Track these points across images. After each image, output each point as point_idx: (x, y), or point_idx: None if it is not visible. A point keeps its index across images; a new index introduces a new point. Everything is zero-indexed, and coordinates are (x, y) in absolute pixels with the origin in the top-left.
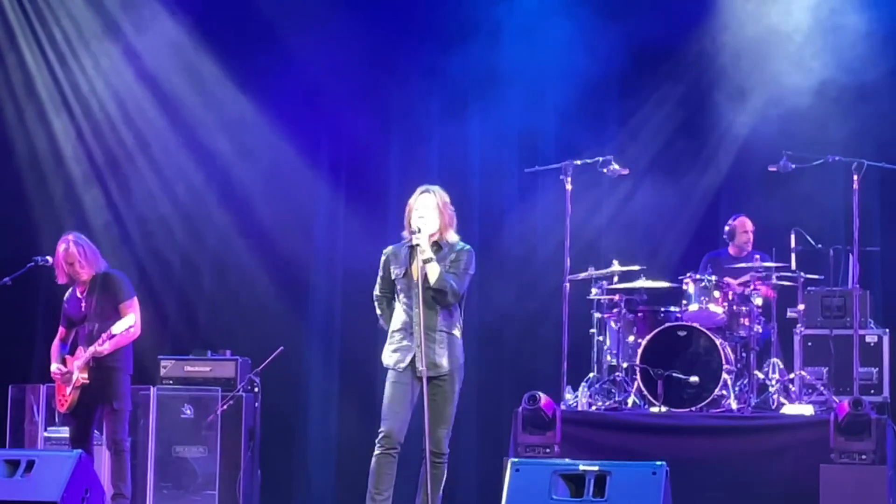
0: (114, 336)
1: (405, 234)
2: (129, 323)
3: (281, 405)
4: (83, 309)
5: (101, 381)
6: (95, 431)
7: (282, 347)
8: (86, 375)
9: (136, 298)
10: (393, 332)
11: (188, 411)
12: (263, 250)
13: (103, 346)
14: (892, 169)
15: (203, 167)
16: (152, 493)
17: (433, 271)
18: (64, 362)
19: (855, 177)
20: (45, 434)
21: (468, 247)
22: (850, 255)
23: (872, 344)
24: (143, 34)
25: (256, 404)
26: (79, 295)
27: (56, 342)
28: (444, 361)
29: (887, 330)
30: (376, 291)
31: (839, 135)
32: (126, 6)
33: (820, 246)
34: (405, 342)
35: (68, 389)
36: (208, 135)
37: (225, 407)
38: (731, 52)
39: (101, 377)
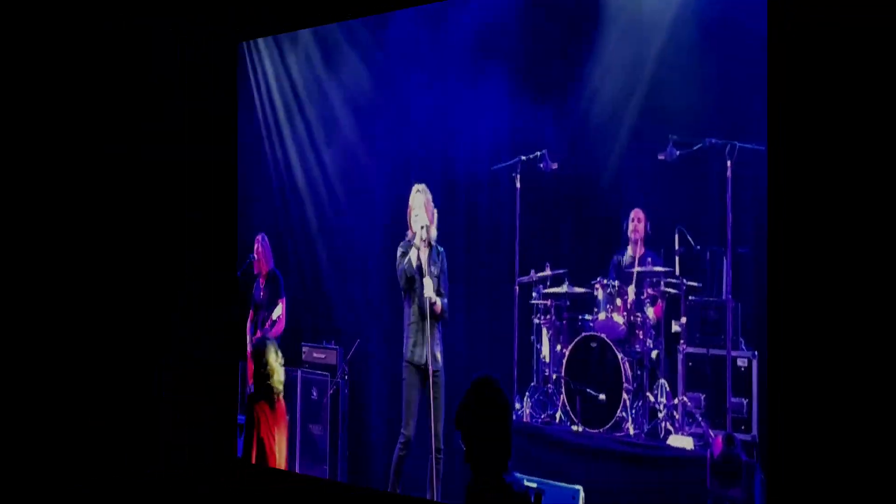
0: (275, 323)
1: (410, 233)
2: (279, 312)
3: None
4: (262, 297)
5: None
6: None
7: (359, 340)
8: None
9: None
10: (409, 324)
11: (314, 393)
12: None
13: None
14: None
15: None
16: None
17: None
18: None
19: (728, 163)
20: None
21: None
22: (724, 258)
23: (743, 369)
24: None
25: (346, 391)
26: (261, 285)
27: (248, 323)
28: (439, 355)
29: (756, 353)
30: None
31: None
32: None
33: (699, 247)
34: (419, 334)
35: None
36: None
37: (332, 391)
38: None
39: None
